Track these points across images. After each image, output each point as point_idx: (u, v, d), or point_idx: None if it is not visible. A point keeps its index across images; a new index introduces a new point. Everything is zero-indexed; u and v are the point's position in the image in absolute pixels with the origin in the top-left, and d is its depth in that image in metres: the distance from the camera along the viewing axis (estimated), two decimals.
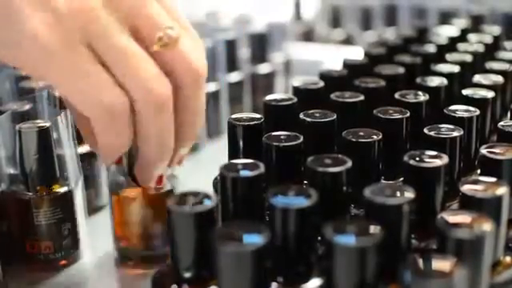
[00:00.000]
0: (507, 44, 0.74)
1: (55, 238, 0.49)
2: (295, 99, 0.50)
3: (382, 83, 0.55)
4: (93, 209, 0.56)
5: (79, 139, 0.49)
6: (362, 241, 0.30)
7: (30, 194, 0.47)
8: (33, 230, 0.48)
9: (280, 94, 0.54)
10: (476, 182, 0.37)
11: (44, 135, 0.47)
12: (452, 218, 0.33)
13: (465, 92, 0.53)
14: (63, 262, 0.50)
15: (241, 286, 0.31)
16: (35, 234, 0.48)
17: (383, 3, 1.13)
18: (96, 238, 0.52)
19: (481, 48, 0.69)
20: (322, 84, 0.55)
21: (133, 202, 0.47)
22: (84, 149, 0.53)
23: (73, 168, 0.49)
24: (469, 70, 0.62)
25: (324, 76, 0.58)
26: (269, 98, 0.50)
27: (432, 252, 0.33)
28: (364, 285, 0.31)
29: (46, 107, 0.51)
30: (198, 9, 1.08)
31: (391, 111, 0.47)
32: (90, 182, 0.56)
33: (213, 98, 0.77)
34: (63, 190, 0.48)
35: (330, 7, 1.19)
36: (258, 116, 0.47)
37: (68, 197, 0.49)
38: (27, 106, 0.52)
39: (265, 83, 0.85)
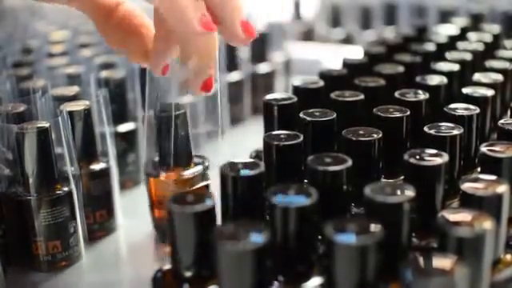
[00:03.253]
0: (507, 42, 0.74)
1: (62, 237, 0.49)
2: (295, 98, 0.50)
3: (382, 82, 0.55)
4: None
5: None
6: (362, 239, 0.30)
7: (31, 195, 0.47)
8: (36, 231, 0.48)
9: (280, 93, 0.54)
10: (476, 180, 0.37)
11: (43, 136, 0.47)
12: (452, 216, 0.33)
13: (465, 90, 0.53)
14: (65, 262, 0.50)
15: (241, 285, 0.31)
16: (39, 234, 0.48)
17: (383, 2, 1.13)
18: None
19: (480, 47, 0.69)
20: (321, 83, 0.55)
21: (166, 185, 0.50)
22: None
23: (73, 167, 0.50)
24: (468, 69, 0.62)
25: (324, 75, 0.58)
26: (269, 97, 0.50)
27: (432, 250, 0.33)
28: (364, 283, 0.31)
29: (45, 108, 0.51)
30: None
31: (391, 110, 0.47)
32: None
33: (212, 97, 0.77)
34: (64, 189, 0.48)
35: (329, 6, 1.19)
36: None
37: (70, 196, 0.49)
38: (26, 107, 0.52)
39: (265, 83, 0.85)
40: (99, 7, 0.45)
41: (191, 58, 0.43)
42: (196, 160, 0.51)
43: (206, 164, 0.51)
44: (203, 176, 0.50)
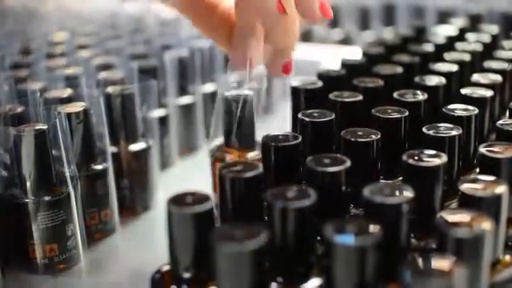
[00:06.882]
0: (505, 43, 0.74)
1: (60, 240, 0.49)
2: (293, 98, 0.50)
3: (381, 83, 0.55)
4: None
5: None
6: (361, 240, 0.30)
7: (28, 198, 0.47)
8: (33, 234, 0.48)
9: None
10: (475, 181, 0.37)
11: (41, 138, 0.47)
12: (451, 217, 0.33)
13: (463, 91, 0.53)
14: (63, 265, 0.50)
15: (240, 286, 0.31)
16: (37, 237, 0.48)
17: (381, 3, 1.13)
18: None
19: (479, 47, 0.69)
20: (320, 84, 0.55)
21: None
22: None
23: (71, 169, 0.49)
24: (467, 70, 0.62)
25: (322, 76, 0.58)
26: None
27: (431, 251, 0.33)
28: (363, 284, 0.31)
29: (42, 109, 0.51)
30: None
31: (390, 111, 0.47)
32: None
33: (211, 98, 0.77)
34: (62, 192, 0.48)
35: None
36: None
37: (68, 199, 0.49)
38: (24, 109, 0.52)
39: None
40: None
41: (278, 39, 0.48)
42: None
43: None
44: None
